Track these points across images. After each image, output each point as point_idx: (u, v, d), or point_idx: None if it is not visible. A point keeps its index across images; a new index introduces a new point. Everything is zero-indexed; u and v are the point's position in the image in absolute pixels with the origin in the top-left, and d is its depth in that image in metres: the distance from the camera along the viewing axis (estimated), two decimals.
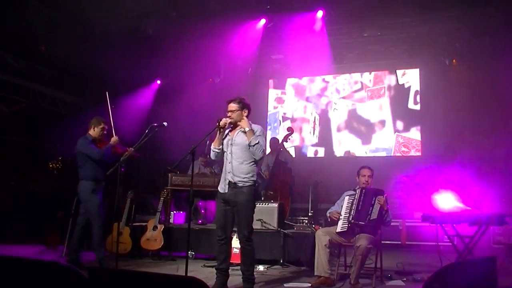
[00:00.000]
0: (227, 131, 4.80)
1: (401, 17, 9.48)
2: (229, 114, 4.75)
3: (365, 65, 10.90)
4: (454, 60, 10.01)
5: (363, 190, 5.33)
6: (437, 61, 10.21)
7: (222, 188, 4.78)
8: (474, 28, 9.39)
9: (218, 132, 4.72)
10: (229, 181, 4.70)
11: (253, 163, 4.78)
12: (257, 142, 4.64)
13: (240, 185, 4.68)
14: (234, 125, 4.82)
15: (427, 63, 10.40)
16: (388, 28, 9.98)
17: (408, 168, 9.62)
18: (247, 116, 4.80)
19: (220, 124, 4.65)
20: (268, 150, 8.60)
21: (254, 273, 4.88)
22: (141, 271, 5.43)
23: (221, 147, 4.79)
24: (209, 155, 4.98)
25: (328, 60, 10.44)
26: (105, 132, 6.06)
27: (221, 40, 9.80)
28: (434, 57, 10.18)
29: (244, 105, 4.80)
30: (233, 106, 4.77)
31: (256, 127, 4.80)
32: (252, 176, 4.75)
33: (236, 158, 4.72)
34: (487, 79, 9.53)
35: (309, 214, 7.78)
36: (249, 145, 4.65)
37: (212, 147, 4.80)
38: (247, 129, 4.65)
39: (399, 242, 8.36)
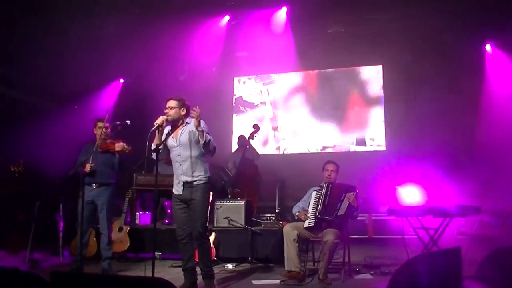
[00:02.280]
0: (166, 130, 4.70)
1: (365, 14, 9.57)
2: (166, 111, 4.68)
3: (329, 61, 10.94)
4: (412, 57, 10.21)
5: (330, 185, 5.35)
6: (399, 58, 10.34)
7: (177, 190, 4.72)
8: (435, 25, 9.57)
9: (157, 131, 4.61)
10: (183, 182, 4.65)
11: (204, 160, 4.75)
12: (209, 139, 4.57)
13: (195, 183, 4.65)
14: (174, 125, 4.74)
15: (390, 59, 10.53)
16: (352, 25, 10.05)
17: (373, 163, 9.76)
18: (184, 116, 4.73)
19: (158, 122, 4.55)
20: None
21: (222, 271, 4.83)
22: (105, 274, 5.34)
23: (161, 146, 4.65)
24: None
25: (292, 57, 10.45)
26: (105, 130, 5.70)
27: (186, 37, 9.66)
28: (396, 53, 10.31)
29: (183, 104, 4.73)
30: (171, 103, 4.71)
31: (201, 122, 4.68)
32: (205, 173, 4.71)
33: (185, 158, 4.65)
34: (447, 75, 9.76)
35: (276, 211, 7.77)
36: (203, 145, 4.57)
37: (152, 147, 4.64)
38: (199, 129, 4.51)
39: (366, 236, 8.45)
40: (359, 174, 8.45)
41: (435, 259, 4.75)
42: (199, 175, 4.66)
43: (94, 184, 5.70)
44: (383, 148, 10.48)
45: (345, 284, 5.16)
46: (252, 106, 11.56)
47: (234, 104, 11.65)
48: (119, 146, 5.63)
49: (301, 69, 11.17)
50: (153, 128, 4.56)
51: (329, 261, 5.05)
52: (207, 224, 4.89)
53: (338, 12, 9.50)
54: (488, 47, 9.73)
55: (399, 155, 9.68)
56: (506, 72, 9.40)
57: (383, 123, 10.56)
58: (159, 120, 4.57)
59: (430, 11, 9.23)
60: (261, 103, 11.52)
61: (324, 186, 5.39)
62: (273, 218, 7.44)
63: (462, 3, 8.93)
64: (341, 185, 5.41)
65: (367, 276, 5.53)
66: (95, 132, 5.82)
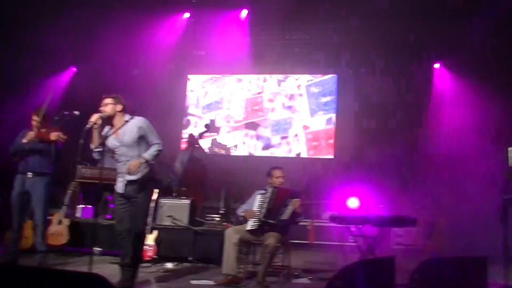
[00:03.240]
0: (106, 129, 4.64)
1: (324, 23, 9.76)
2: (101, 108, 4.60)
3: (284, 67, 11.06)
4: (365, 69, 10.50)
5: (276, 190, 5.42)
6: (353, 69, 10.62)
7: (120, 187, 4.65)
8: (390, 40, 9.88)
9: (93, 129, 4.51)
10: (128, 181, 4.59)
11: None
12: (154, 156, 4.60)
13: (139, 181, 4.60)
14: (115, 125, 4.65)
15: (344, 69, 10.76)
16: (310, 33, 10.25)
17: (320, 170, 9.95)
18: (122, 113, 4.66)
19: (92, 120, 4.46)
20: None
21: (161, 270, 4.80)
22: (40, 267, 5.19)
23: (100, 145, 4.58)
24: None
25: (249, 60, 10.52)
26: (38, 119, 5.48)
27: (142, 32, 9.55)
28: (351, 64, 10.56)
29: (119, 101, 4.65)
30: (106, 100, 4.63)
31: (140, 121, 4.67)
32: (150, 172, 4.67)
33: (127, 158, 4.59)
34: (397, 88, 10.07)
35: (221, 212, 7.79)
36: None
37: (91, 147, 4.57)
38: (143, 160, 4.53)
39: (307, 242, 8.60)
40: (305, 179, 8.60)
41: (370, 267, 4.92)
42: (143, 174, 4.60)
43: (29, 173, 5.47)
44: (331, 156, 10.68)
45: (283, 287, 5.24)
46: (205, 106, 11.53)
47: (187, 103, 11.57)
48: (54, 135, 5.45)
49: (256, 72, 11.23)
50: (87, 126, 4.42)
51: (269, 264, 5.10)
52: (148, 222, 4.84)
53: (296, 19, 9.64)
54: (437, 65, 10.14)
55: (347, 164, 9.92)
56: (452, 90, 9.84)
57: (333, 131, 10.76)
58: (93, 118, 4.45)
59: (384, 25, 9.52)
60: (215, 102, 11.50)
61: (270, 190, 5.45)
62: (217, 219, 7.46)
63: (412, 23, 9.27)
64: (287, 190, 5.49)
65: (305, 280, 5.62)
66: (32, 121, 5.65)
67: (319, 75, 11.13)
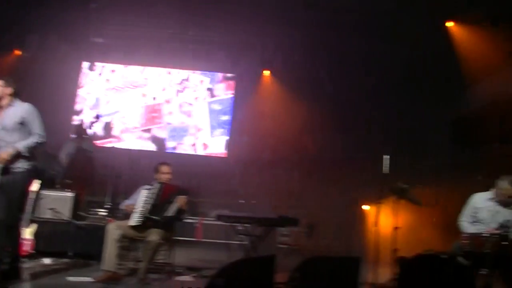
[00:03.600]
0: None
1: (227, 22, 9.80)
2: None
3: (184, 63, 10.95)
4: (267, 71, 10.75)
5: (163, 186, 5.35)
6: (252, 70, 10.79)
7: None
8: (290, 44, 10.18)
9: None
10: (2, 168, 4.32)
11: None
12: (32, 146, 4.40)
13: (16, 170, 4.37)
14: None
15: (243, 70, 10.89)
16: (212, 31, 10.24)
17: (213, 169, 10.01)
18: (12, 97, 4.46)
19: None
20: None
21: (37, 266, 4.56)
22: None
23: None
24: None
25: (148, 52, 10.32)
26: None
27: (35, 11, 8.96)
28: (250, 66, 10.72)
29: (9, 84, 4.46)
30: None
31: (25, 108, 4.48)
32: (30, 161, 4.45)
33: (7, 143, 4.36)
34: (296, 92, 10.42)
35: (106, 207, 7.55)
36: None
37: None
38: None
39: (195, 239, 8.63)
40: (196, 177, 8.60)
41: (251, 265, 5.06)
42: (22, 162, 4.36)
43: None
44: (225, 155, 10.77)
45: (164, 284, 5.20)
46: (98, 97, 11.08)
47: (79, 91, 11.03)
48: None
49: (154, 64, 11.02)
50: None
51: (151, 261, 5.04)
52: (25, 214, 4.57)
53: (201, 15, 9.60)
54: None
55: (240, 163, 10.08)
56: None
57: (228, 131, 10.85)
58: None
59: (286, 29, 9.76)
60: (107, 90, 11.11)
61: (156, 185, 5.37)
62: (102, 213, 7.22)
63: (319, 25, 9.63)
64: (174, 187, 5.43)
65: (188, 278, 5.63)
66: None
67: (219, 74, 11.16)
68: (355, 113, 10.14)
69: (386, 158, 5.58)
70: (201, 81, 11.13)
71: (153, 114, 10.96)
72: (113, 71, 11.13)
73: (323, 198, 8.90)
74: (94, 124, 8.12)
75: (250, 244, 5.87)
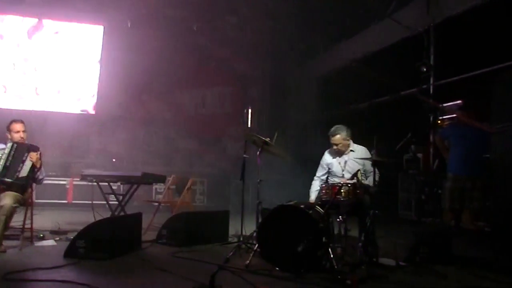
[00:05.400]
0: None
1: None
2: None
3: (46, 11, 10.11)
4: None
5: (15, 145, 4.91)
6: (120, 22, 10.25)
7: None
8: None
9: None
10: None
11: None
12: None
13: None
14: None
15: (111, 22, 10.33)
16: None
17: (81, 126, 9.53)
18: None
19: None
20: None
21: None
22: None
23: None
24: None
25: None
26: None
27: None
28: (118, 17, 10.17)
29: None
30: None
31: None
32: None
33: None
34: (161, 46, 10.10)
35: None
36: None
37: None
38: None
39: (66, 201, 8.28)
40: (64, 136, 8.13)
41: (117, 223, 4.94)
42: None
43: None
44: (92, 112, 10.24)
45: (22, 252, 4.85)
46: None
47: None
48: None
49: (21, 14, 10.04)
50: None
51: (5, 227, 4.65)
52: None
53: None
54: None
55: (108, 119, 9.69)
56: None
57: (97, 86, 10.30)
58: None
59: None
60: None
61: (9, 145, 4.92)
62: None
63: None
64: (24, 144, 5.00)
65: (51, 242, 5.31)
66: None
67: (87, 24, 10.49)
68: (229, 69, 10.22)
69: (248, 112, 5.66)
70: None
71: None
72: None
73: (194, 155, 8.95)
74: None
75: (117, 203, 5.74)
